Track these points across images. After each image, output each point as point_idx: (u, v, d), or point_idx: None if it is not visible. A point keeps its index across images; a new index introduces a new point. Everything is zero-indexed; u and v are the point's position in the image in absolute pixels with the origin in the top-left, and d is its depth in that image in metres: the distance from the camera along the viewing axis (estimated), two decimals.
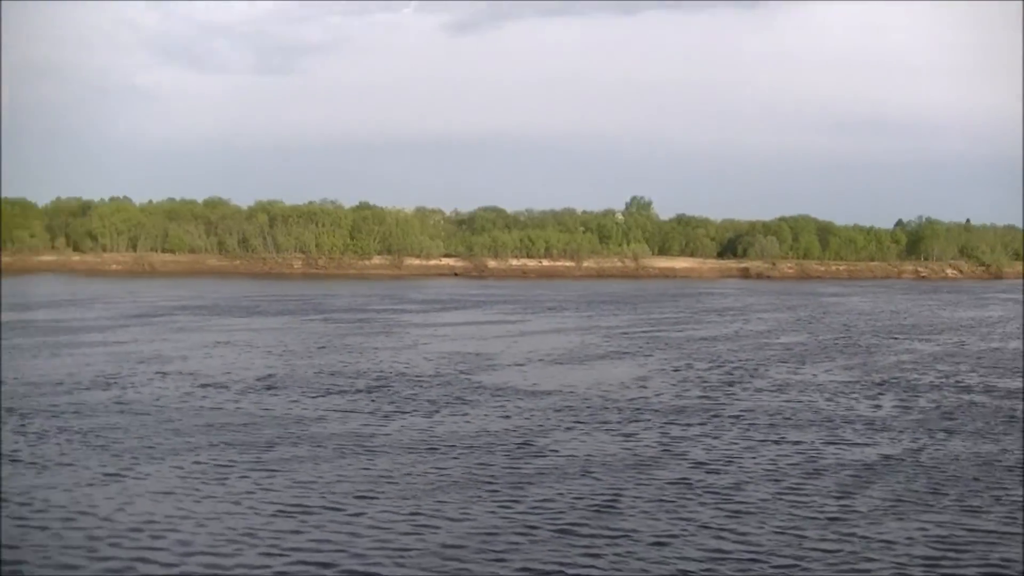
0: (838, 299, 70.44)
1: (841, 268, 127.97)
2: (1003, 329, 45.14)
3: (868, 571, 11.34)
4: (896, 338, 39.85)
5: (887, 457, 17.25)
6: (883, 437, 19.05)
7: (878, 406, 22.70)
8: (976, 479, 15.69)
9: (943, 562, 11.66)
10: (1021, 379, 27.30)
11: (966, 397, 24.00)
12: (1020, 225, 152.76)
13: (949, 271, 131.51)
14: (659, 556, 11.79)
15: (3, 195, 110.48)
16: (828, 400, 23.53)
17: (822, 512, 13.72)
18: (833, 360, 31.71)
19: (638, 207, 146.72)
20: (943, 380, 26.98)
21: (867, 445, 18.29)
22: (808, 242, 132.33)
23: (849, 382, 26.55)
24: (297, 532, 12.60)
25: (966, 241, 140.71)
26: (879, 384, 26.16)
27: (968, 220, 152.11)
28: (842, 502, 14.27)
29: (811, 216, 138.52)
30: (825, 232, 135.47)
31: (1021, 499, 14.49)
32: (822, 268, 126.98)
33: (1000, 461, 16.98)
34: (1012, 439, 18.90)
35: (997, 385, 26.06)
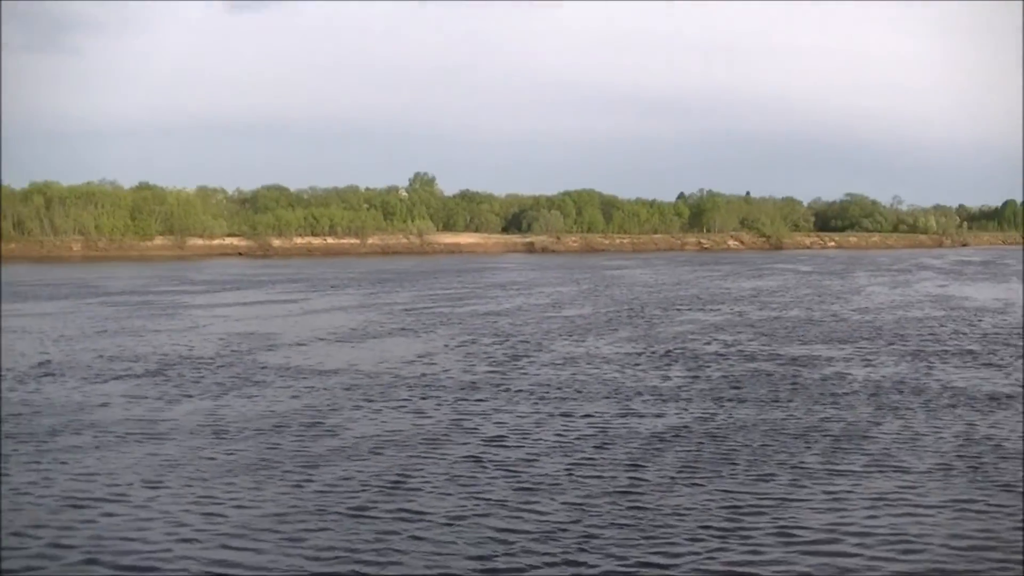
0: (622, 271, 72.23)
1: (625, 241, 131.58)
2: (781, 298, 47.14)
3: (661, 541, 11.45)
4: (679, 309, 41.07)
5: (677, 427, 17.62)
6: (672, 407, 19.47)
7: (665, 376, 23.21)
8: (764, 445, 16.19)
9: (737, 529, 11.88)
10: (801, 346, 28.35)
11: (751, 365, 24.82)
12: (799, 197, 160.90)
13: (731, 242, 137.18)
14: (452, 535, 11.62)
15: None
16: (615, 371, 23.92)
17: (614, 484, 13.85)
18: (618, 332, 32.35)
19: (421, 183, 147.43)
20: (727, 349, 27.88)
21: (656, 415, 18.63)
22: (592, 216, 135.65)
23: (635, 353, 27.10)
24: (82, 523, 11.95)
25: (747, 213, 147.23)
26: (665, 355, 26.80)
27: (748, 193, 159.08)
28: (633, 473, 14.44)
29: (595, 190, 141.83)
30: (609, 206, 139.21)
31: (807, 464, 15.01)
32: (607, 241, 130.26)
33: (786, 427, 17.57)
34: (797, 404, 19.64)
35: (780, 352, 27.06)
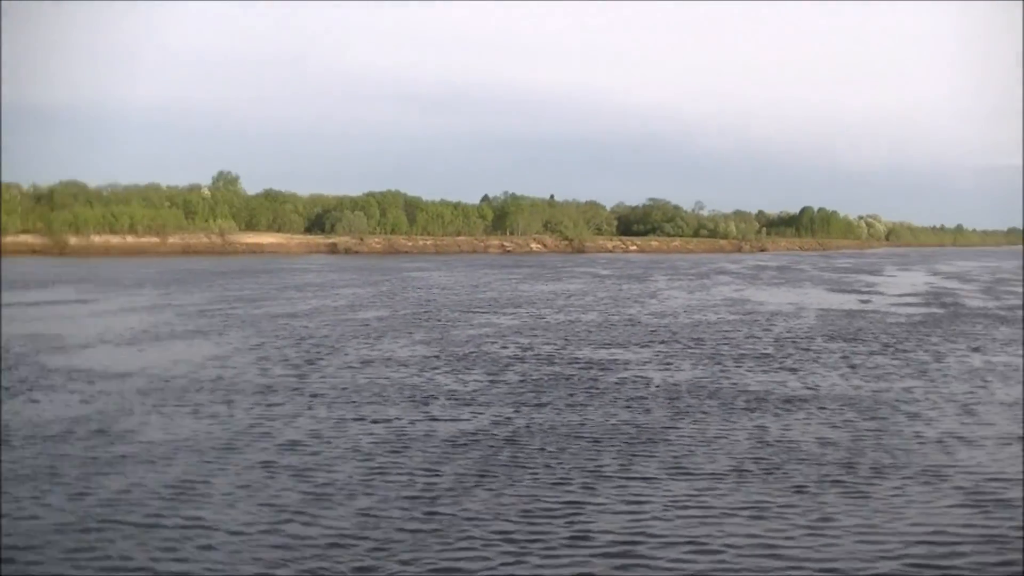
0: (423, 273, 72.18)
1: (429, 243, 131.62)
2: (580, 302, 47.84)
3: (456, 547, 11.44)
4: (477, 312, 41.23)
5: (473, 431, 17.67)
6: (468, 411, 19.51)
7: (462, 380, 23.23)
8: (561, 449, 16.39)
9: (533, 534, 11.97)
10: (599, 350, 28.74)
11: (548, 369, 25.05)
12: (602, 201, 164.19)
13: (534, 245, 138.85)
14: (242, 544, 11.36)
15: None
16: (412, 375, 23.82)
17: (409, 489, 13.80)
18: (414, 335, 32.22)
19: (225, 182, 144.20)
20: (524, 352, 28.09)
21: (453, 420, 18.65)
22: (396, 217, 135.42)
23: (431, 357, 27.03)
24: None
25: (550, 216, 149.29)
26: (462, 358, 26.81)
27: (552, 196, 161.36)
28: (429, 478, 14.41)
29: (400, 191, 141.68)
30: (413, 207, 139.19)
31: (604, 468, 15.25)
32: (410, 243, 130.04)
33: (583, 431, 17.83)
34: (594, 408, 19.95)
35: (577, 356, 27.39)
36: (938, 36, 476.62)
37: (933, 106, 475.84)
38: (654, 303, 47.71)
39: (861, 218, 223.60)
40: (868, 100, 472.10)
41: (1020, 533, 12.40)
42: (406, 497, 13.40)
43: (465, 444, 16.59)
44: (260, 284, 58.20)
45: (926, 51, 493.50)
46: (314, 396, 20.89)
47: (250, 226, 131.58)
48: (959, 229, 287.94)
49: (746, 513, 12.98)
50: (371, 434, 17.28)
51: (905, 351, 29.72)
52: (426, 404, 20.13)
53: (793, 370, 25.42)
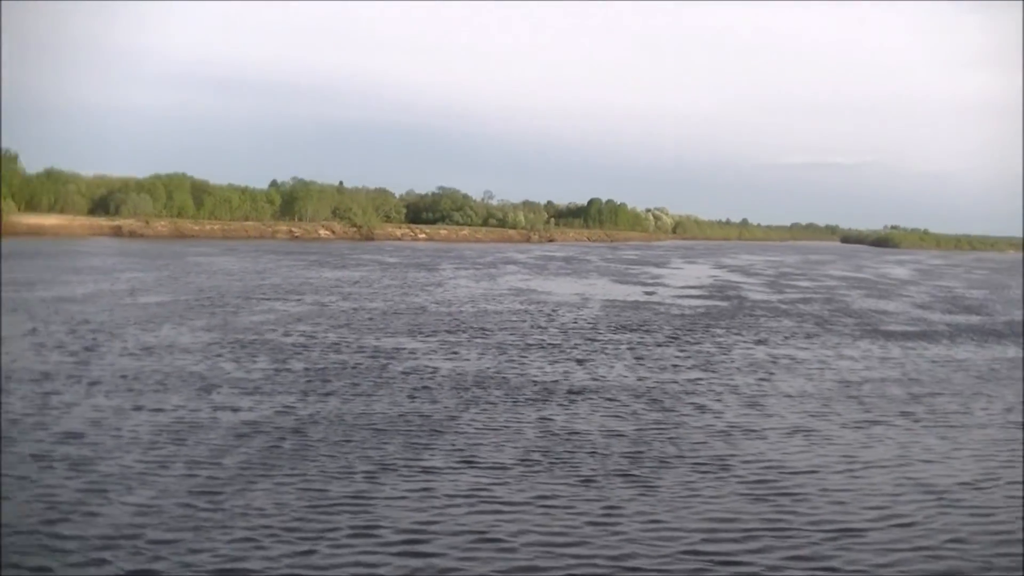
0: (208, 259, 70.25)
1: (216, 227, 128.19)
2: (366, 289, 47.44)
3: (239, 541, 11.23)
4: (262, 298, 40.36)
5: (257, 421, 17.40)
6: (251, 400, 19.19)
7: (245, 368, 22.87)
8: (347, 440, 16.28)
9: (315, 527, 11.86)
10: (385, 338, 28.54)
11: (334, 357, 24.89)
12: (392, 189, 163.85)
13: (322, 232, 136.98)
14: (9, 544, 10.81)
15: None
16: (194, 363, 23.28)
17: (190, 482, 13.45)
18: (196, 321, 31.33)
19: (4, 160, 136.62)
20: (309, 340, 27.82)
21: (235, 409, 18.30)
22: (183, 201, 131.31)
23: (213, 344, 26.42)
24: None
25: (339, 203, 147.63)
26: (245, 345, 26.33)
27: (341, 183, 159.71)
28: (210, 471, 14.10)
29: (187, 174, 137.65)
30: (200, 191, 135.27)
31: (390, 458, 15.21)
32: (197, 227, 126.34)
33: (370, 421, 17.77)
34: (380, 398, 19.90)
35: (363, 345, 27.22)
36: (733, 35, 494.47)
37: (722, 106, 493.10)
38: (441, 292, 47.69)
39: (649, 211, 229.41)
40: (653, 101, 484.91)
41: (805, 520, 12.84)
42: (188, 490, 13.07)
43: (249, 434, 16.30)
44: (37, 267, 55.49)
45: (719, 54, 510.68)
46: (92, 384, 20.13)
47: (30, 207, 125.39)
48: (744, 224, 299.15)
49: (534, 504, 13.12)
50: (152, 423, 16.78)
51: (690, 343, 30.64)
52: (208, 393, 19.68)
53: (580, 361, 25.82)
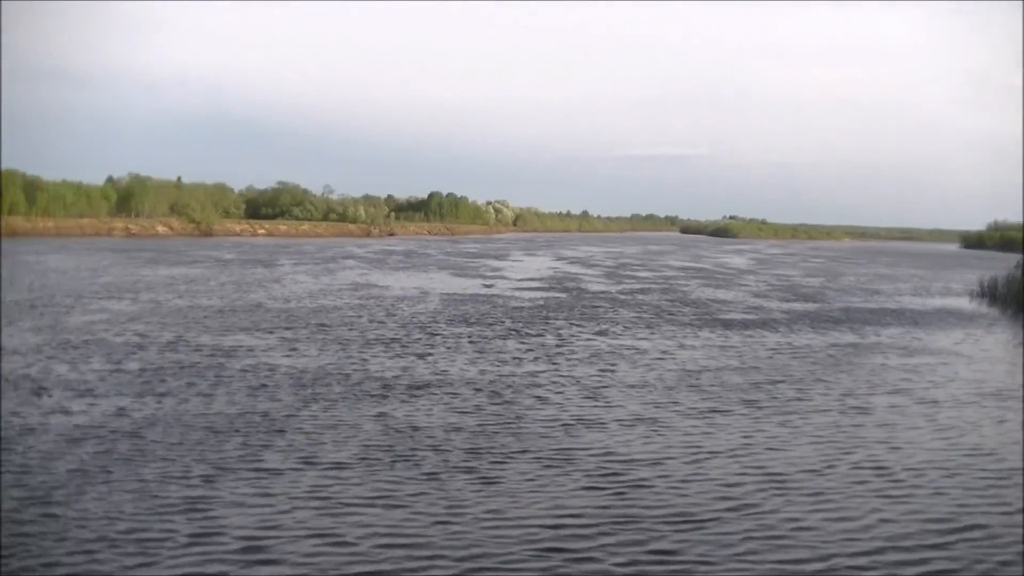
0: (39, 257, 67.62)
1: (50, 225, 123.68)
2: (203, 286, 46.42)
3: (73, 551, 10.80)
4: (94, 297, 39.15)
5: (90, 424, 16.79)
6: (84, 402, 18.51)
7: (77, 369, 22.15)
8: (183, 441, 15.91)
9: (152, 532, 11.51)
10: (222, 335, 27.97)
11: (169, 356, 24.27)
12: (231, 184, 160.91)
13: (160, 228, 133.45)
14: None
15: None
16: (22, 365, 22.35)
17: (21, 490, 12.87)
18: (23, 322, 30.16)
19: None
20: (144, 339, 27.12)
21: (67, 412, 17.64)
22: (14, 198, 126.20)
23: (43, 344, 25.51)
24: None
25: (177, 198, 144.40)
26: (77, 346, 25.52)
27: (179, 178, 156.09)
28: (41, 476, 13.56)
29: (17, 170, 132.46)
30: (32, 188, 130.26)
31: (229, 459, 14.94)
32: (29, 225, 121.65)
33: (206, 421, 17.37)
34: (218, 396, 19.45)
35: (200, 343, 26.73)
36: (580, 31, 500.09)
37: (564, 99, 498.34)
38: (279, 288, 46.88)
39: (489, 203, 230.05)
40: (492, 95, 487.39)
41: (651, 511, 13.01)
42: (17, 497, 12.56)
43: (81, 438, 15.74)
44: None
45: (565, 50, 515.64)
46: None
47: None
48: (585, 215, 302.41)
49: (376, 503, 13.01)
50: None
51: (531, 335, 30.85)
52: (38, 396, 18.93)
53: (420, 355, 25.73)
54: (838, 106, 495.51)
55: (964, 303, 52.07)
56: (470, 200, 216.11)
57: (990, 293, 53.97)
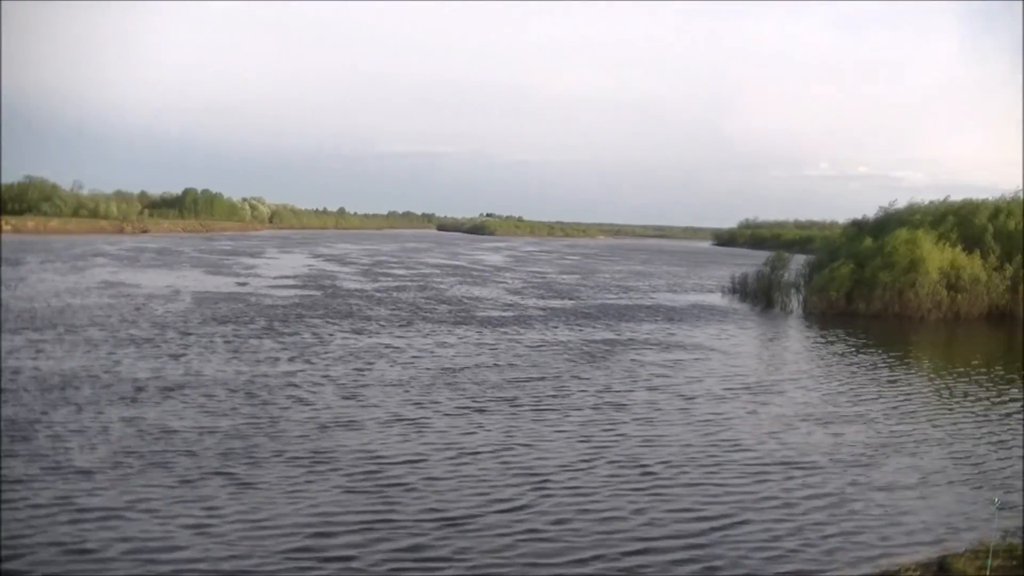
0: None
1: None
2: None
3: None
4: None
5: None
6: None
7: None
8: None
9: None
10: None
11: None
12: None
13: None
14: None
15: None
16: None
17: None
18: None
19: None
20: None
21: None
22: None
23: None
24: None
25: None
26: None
27: None
28: None
29: None
30: None
31: None
32: None
33: None
34: None
35: None
36: (332, 22, 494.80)
37: (320, 93, 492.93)
38: (24, 287, 44.49)
39: (245, 200, 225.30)
40: (245, 88, 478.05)
41: (412, 510, 13.10)
42: None
43: None
44: None
45: (320, 42, 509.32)
46: None
47: None
48: (342, 212, 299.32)
49: (128, 510, 12.57)
50: None
51: (286, 333, 30.46)
52: None
53: (173, 355, 25.09)
54: (594, 106, 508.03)
55: (717, 299, 54.45)
56: (225, 197, 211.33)
57: (741, 289, 56.59)
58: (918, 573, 11.67)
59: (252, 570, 10.86)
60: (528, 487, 14.69)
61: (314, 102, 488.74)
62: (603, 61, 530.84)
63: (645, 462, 16.55)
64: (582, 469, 15.91)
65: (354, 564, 11.23)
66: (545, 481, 15.07)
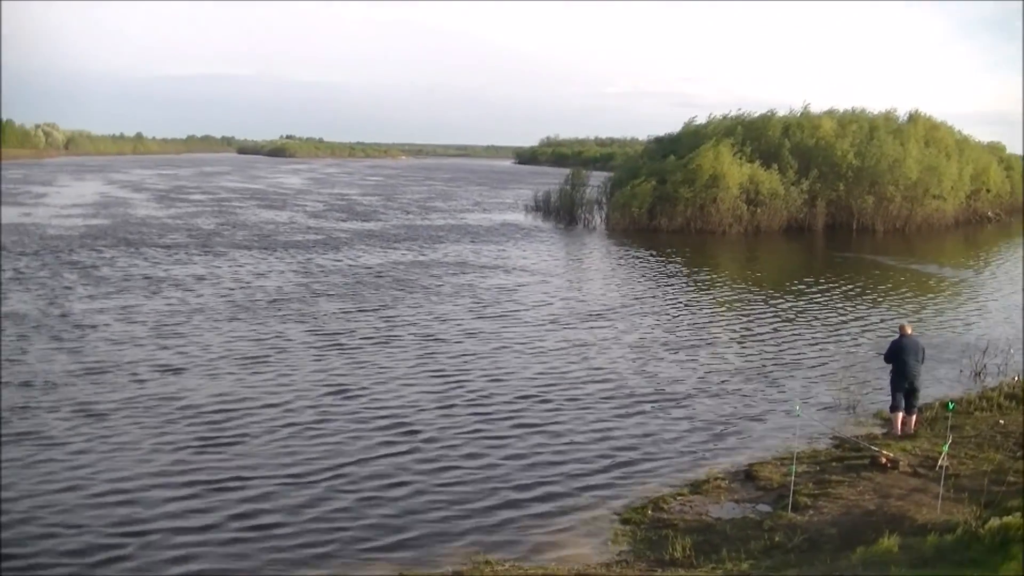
0: None
1: None
2: None
3: None
4: None
5: None
6: None
7: None
8: None
9: None
10: None
11: None
12: None
13: None
14: None
15: None
16: None
17: None
18: None
19: None
20: None
21: None
22: None
23: None
24: None
25: None
26: None
27: None
28: None
29: None
30: None
31: None
32: None
33: None
34: None
35: None
36: None
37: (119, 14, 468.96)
38: None
39: (38, 127, 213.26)
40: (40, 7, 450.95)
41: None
42: None
43: None
44: None
45: None
46: None
47: None
48: (139, 138, 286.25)
49: None
50: None
51: (68, 264, 28.39)
52: None
53: None
54: (394, 27, 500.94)
55: (521, 217, 53.58)
56: (16, 123, 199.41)
57: (544, 207, 55.62)
58: (726, 480, 11.89)
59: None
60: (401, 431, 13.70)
61: (108, 18, 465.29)
62: None
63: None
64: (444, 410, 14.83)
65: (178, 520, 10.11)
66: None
